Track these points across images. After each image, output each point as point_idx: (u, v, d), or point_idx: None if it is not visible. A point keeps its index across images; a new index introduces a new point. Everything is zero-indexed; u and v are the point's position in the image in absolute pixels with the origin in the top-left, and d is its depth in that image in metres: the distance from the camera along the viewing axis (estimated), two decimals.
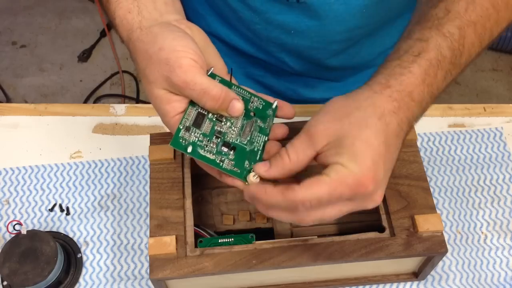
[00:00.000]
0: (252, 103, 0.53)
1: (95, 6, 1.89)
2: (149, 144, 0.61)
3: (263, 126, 0.52)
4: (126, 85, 1.85)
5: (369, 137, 0.43)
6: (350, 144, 0.43)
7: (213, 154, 0.49)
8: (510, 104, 0.78)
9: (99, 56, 1.93)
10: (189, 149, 0.49)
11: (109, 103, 1.69)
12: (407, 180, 0.59)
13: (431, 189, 0.60)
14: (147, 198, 0.69)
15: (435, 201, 0.59)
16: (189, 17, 0.58)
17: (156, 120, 0.76)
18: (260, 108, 0.53)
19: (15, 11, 2.02)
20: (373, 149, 0.43)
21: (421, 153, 0.71)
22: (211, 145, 0.50)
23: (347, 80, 0.81)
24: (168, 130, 0.73)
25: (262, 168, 0.46)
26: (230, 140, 0.50)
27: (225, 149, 0.50)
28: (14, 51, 1.93)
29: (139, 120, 0.76)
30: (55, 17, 2.02)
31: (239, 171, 0.49)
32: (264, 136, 0.51)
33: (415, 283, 0.64)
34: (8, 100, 1.80)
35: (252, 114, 0.52)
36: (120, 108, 0.77)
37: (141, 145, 0.72)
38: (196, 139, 0.49)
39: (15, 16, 2.01)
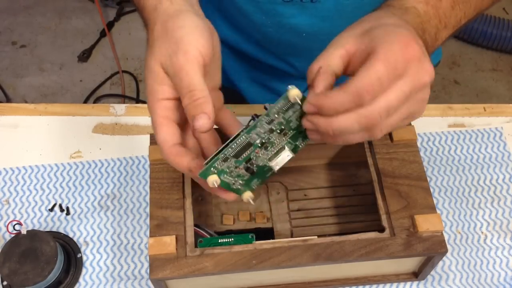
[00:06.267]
0: (275, 120, 0.46)
1: (95, 6, 1.89)
2: (149, 144, 0.61)
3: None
4: (126, 85, 1.85)
5: (402, 25, 0.46)
6: (385, 26, 0.45)
7: (232, 178, 0.49)
8: (510, 104, 0.77)
9: (99, 56, 1.93)
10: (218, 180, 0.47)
11: (109, 103, 1.68)
12: (407, 180, 0.59)
13: (431, 189, 0.60)
14: (147, 198, 0.69)
15: (435, 201, 0.59)
16: None
17: None
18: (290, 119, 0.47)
19: (15, 11, 2.02)
20: (409, 28, 0.46)
21: (421, 153, 0.71)
22: (236, 170, 0.48)
23: None
24: None
25: (312, 98, 0.43)
26: (256, 163, 0.48)
27: (244, 173, 0.49)
28: (14, 51, 1.93)
29: (139, 120, 0.76)
30: (55, 17, 2.02)
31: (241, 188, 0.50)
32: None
33: (415, 283, 0.64)
34: (8, 100, 1.80)
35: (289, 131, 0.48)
36: (120, 108, 0.77)
37: (141, 145, 0.72)
38: (227, 169, 0.47)
39: (15, 16, 2.01)
